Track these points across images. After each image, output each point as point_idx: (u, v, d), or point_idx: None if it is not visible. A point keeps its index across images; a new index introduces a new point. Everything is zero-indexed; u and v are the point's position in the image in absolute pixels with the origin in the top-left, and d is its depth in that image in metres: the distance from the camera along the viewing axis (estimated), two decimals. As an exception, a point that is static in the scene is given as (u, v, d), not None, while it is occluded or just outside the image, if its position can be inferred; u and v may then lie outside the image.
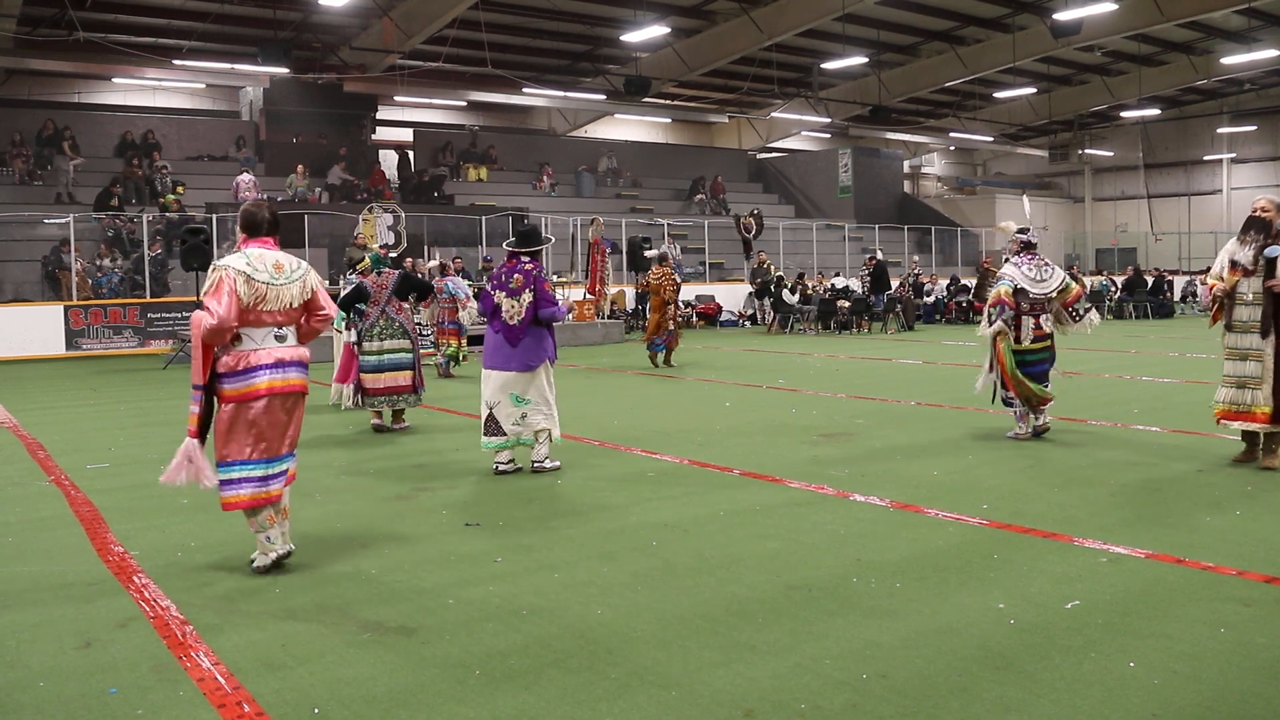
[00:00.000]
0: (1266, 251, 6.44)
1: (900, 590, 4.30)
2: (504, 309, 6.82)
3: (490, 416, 6.82)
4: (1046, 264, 7.95)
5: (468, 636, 3.85)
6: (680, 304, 14.66)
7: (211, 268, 4.63)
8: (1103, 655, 3.56)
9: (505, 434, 6.80)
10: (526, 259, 6.98)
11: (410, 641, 3.82)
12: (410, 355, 8.96)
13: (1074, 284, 7.99)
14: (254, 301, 4.58)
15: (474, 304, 12.27)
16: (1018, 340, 7.76)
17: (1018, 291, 7.79)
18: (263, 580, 4.60)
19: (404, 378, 8.89)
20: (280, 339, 4.71)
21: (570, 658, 3.63)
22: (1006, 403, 7.95)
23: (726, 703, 3.24)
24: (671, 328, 14.21)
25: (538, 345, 6.81)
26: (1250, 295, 6.57)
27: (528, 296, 6.79)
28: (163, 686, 3.44)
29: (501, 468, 6.89)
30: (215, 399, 4.65)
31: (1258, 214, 6.58)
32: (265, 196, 22.67)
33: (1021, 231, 8.04)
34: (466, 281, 14.58)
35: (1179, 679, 3.35)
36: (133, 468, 7.41)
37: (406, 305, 9.18)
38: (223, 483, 4.61)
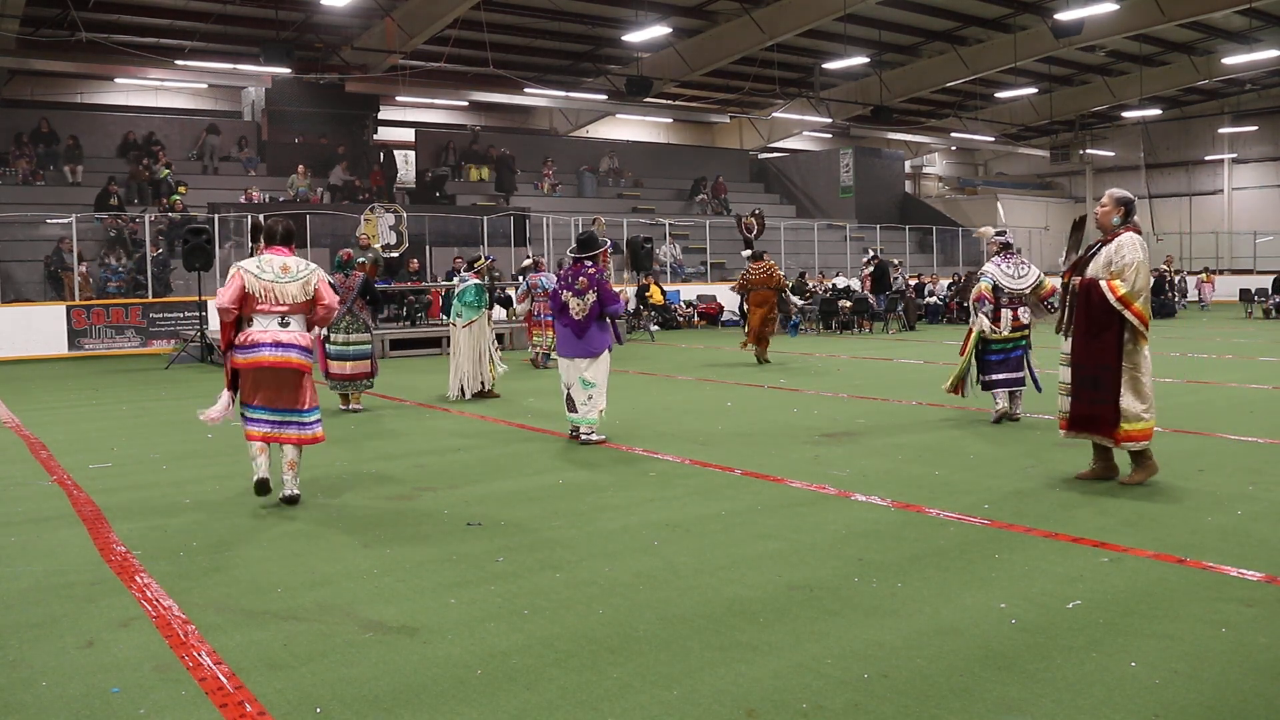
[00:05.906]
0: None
1: (902, 590, 4.31)
2: (571, 307, 7.98)
3: (569, 396, 8.09)
4: (1024, 263, 8.81)
5: (469, 636, 3.86)
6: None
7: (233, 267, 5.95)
8: (1104, 655, 3.56)
9: (578, 411, 8.04)
10: (589, 263, 8.07)
11: (412, 641, 3.82)
12: (369, 347, 10.26)
13: (1047, 281, 8.73)
14: (260, 294, 5.82)
15: (524, 303, 14.53)
16: (997, 328, 8.58)
17: (996, 288, 8.63)
18: (264, 580, 4.61)
19: (365, 366, 10.19)
20: (284, 325, 5.89)
21: (572, 657, 3.64)
22: (986, 387, 8.71)
23: (728, 702, 3.25)
24: (776, 315, 14.85)
25: (600, 336, 8.02)
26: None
27: (592, 296, 7.94)
28: (165, 686, 3.44)
29: (575, 433, 8.12)
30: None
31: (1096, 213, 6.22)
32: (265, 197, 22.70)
33: (999, 234, 8.98)
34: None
35: (1180, 679, 3.36)
36: (135, 467, 7.42)
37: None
38: (244, 419, 5.98)
